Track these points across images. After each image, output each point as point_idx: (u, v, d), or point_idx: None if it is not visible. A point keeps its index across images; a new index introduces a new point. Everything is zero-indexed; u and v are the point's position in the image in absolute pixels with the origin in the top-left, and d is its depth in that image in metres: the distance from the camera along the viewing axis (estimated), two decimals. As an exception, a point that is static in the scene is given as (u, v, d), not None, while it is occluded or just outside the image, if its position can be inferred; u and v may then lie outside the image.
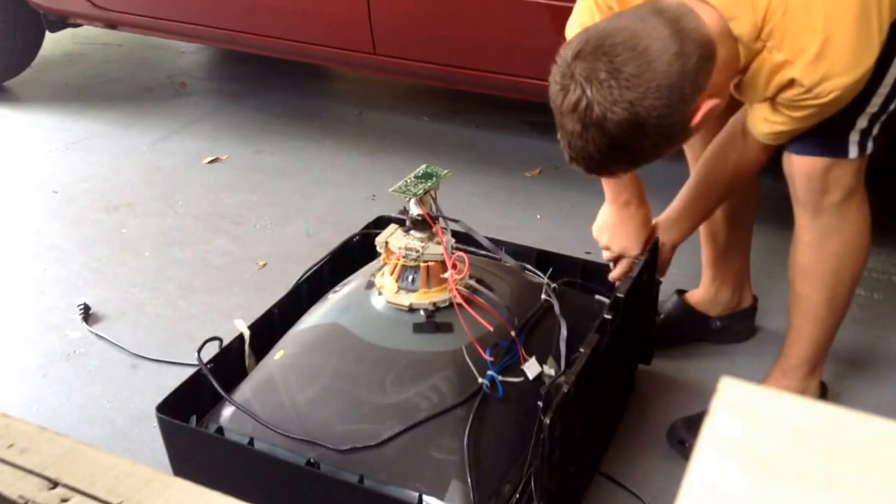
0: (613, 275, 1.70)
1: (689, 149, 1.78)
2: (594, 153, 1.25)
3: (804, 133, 1.41)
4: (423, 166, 1.60)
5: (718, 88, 1.28)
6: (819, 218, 1.51)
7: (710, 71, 1.24)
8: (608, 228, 1.67)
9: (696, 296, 1.97)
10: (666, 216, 1.68)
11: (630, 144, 1.23)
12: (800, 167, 1.47)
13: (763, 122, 1.43)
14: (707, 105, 1.25)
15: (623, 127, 1.20)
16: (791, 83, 1.30)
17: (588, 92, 1.20)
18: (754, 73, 1.32)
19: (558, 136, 1.28)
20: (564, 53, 1.24)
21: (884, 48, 1.30)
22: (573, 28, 1.52)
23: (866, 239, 1.55)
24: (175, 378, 1.58)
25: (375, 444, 1.34)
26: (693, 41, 1.22)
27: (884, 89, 1.39)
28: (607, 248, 1.69)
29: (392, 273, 1.52)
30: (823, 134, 1.41)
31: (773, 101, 1.37)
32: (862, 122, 1.42)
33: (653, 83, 1.19)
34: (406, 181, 1.54)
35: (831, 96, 1.29)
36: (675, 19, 1.22)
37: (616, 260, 1.69)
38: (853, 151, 1.45)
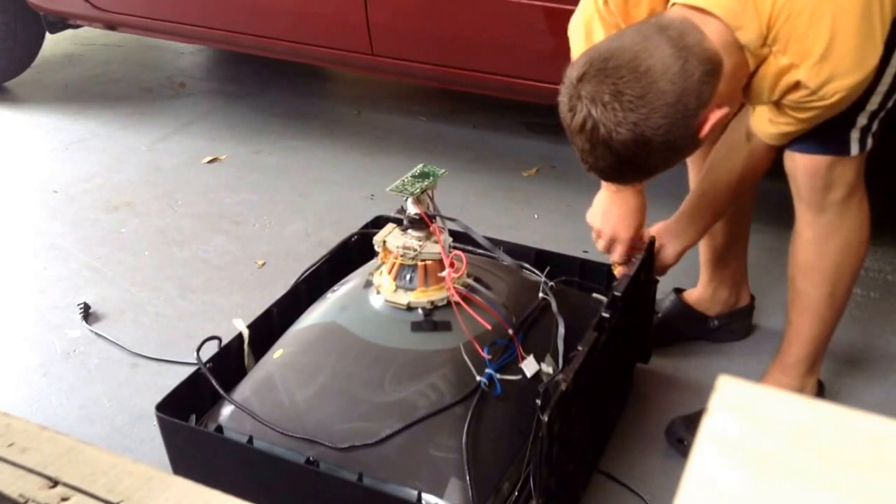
0: (613, 258, 1.68)
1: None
2: (604, 168, 1.30)
3: (806, 131, 1.42)
4: (421, 165, 1.60)
5: (726, 98, 1.29)
6: (822, 215, 1.51)
7: (714, 84, 1.25)
8: (601, 212, 1.65)
9: (694, 295, 1.98)
10: (672, 223, 1.67)
11: (638, 160, 1.26)
12: (803, 165, 1.48)
13: (768, 123, 1.44)
14: (715, 115, 1.26)
15: (629, 146, 1.23)
16: (797, 85, 1.30)
17: (594, 113, 1.23)
18: (760, 77, 1.33)
19: (573, 148, 1.31)
20: (570, 74, 1.27)
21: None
22: (577, 29, 1.53)
23: (866, 235, 1.56)
24: (175, 377, 1.58)
25: (374, 443, 1.34)
26: (696, 56, 1.23)
27: (882, 87, 1.39)
28: (599, 233, 1.66)
29: (390, 272, 1.52)
30: (825, 132, 1.42)
31: (777, 103, 1.37)
32: (862, 120, 1.43)
33: (656, 103, 1.21)
34: (403, 180, 1.55)
35: (836, 97, 1.30)
36: (677, 36, 1.23)
37: (612, 248, 1.68)
38: (854, 149, 1.46)
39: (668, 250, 1.67)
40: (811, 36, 1.25)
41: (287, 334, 1.58)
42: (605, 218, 1.64)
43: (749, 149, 1.53)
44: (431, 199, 1.56)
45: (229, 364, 1.56)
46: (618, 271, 1.69)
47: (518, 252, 1.79)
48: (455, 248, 1.55)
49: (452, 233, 1.61)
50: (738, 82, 1.33)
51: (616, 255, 1.67)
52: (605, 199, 1.65)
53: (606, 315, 1.46)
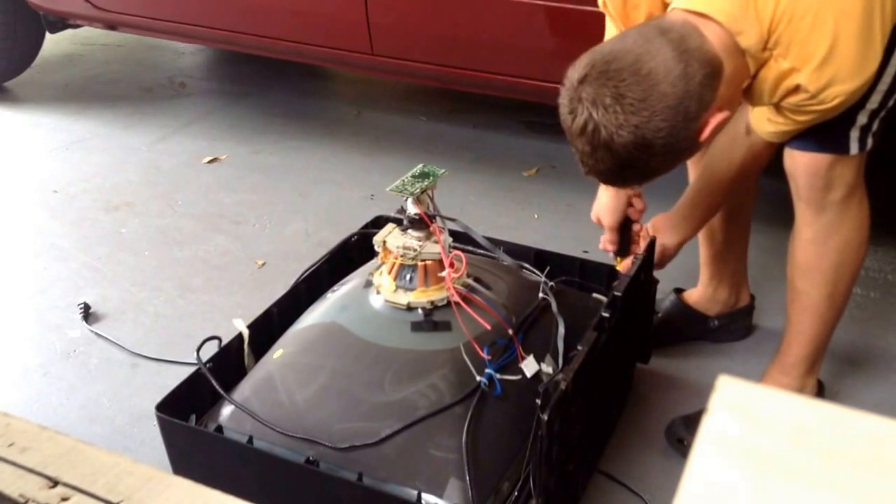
0: (603, 244, 1.75)
1: None
2: (605, 171, 1.30)
3: (806, 129, 1.42)
4: (421, 165, 1.60)
5: (726, 101, 1.29)
6: (822, 215, 1.52)
7: (715, 88, 1.25)
8: (595, 200, 1.73)
9: (694, 295, 1.98)
10: (669, 216, 1.69)
11: (639, 163, 1.26)
12: (803, 164, 1.48)
13: (766, 121, 1.44)
14: (716, 119, 1.27)
15: (630, 148, 1.23)
16: (797, 89, 1.31)
17: (595, 116, 1.23)
18: (761, 80, 1.34)
19: (572, 150, 1.31)
20: (571, 76, 1.26)
21: None
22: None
23: (866, 235, 1.56)
24: (175, 377, 1.58)
25: (374, 443, 1.34)
26: (697, 60, 1.23)
27: (882, 86, 1.40)
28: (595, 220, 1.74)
29: (390, 272, 1.52)
30: (825, 130, 1.42)
31: (777, 105, 1.38)
32: (862, 119, 1.43)
33: (658, 106, 1.21)
34: (403, 180, 1.55)
35: (835, 102, 1.30)
36: (679, 39, 1.23)
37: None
38: (854, 148, 1.46)
39: (666, 243, 1.67)
40: (813, 40, 1.26)
41: (287, 334, 1.58)
42: (596, 205, 1.71)
43: (748, 143, 1.53)
44: (431, 199, 1.55)
45: (229, 364, 1.55)
46: (620, 266, 1.70)
47: (518, 252, 1.79)
48: (455, 248, 1.55)
49: (452, 233, 1.61)
50: (739, 86, 1.34)
51: (603, 241, 1.73)
52: (600, 189, 1.70)
53: (606, 315, 1.46)
